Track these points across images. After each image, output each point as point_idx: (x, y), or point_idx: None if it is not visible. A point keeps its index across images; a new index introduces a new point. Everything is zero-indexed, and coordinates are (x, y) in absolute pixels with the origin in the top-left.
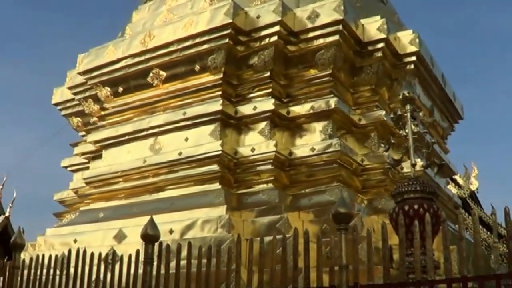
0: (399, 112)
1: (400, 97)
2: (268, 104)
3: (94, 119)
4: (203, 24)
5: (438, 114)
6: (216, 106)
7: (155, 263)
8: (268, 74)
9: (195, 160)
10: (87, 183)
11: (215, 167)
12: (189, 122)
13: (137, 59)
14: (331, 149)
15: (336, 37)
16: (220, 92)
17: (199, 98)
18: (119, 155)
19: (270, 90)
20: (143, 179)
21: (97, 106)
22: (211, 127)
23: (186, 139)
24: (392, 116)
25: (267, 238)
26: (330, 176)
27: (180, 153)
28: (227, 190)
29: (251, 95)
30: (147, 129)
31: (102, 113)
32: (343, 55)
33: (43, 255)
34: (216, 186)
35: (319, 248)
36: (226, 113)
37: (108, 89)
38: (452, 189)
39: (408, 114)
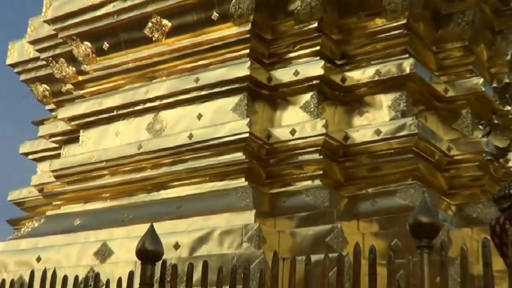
0: (505, 80)
1: (508, 58)
2: (315, 68)
3: (68, 86)
4: None
5: None
6: (242, 70)
7: None
8: (315, 25)
9: (212, 146)
10: (57, 177)
11: (239, 155)
12: (203, 93)
13: (130, 3)
14: (404, 132)
15: None
16: (247, 51)
17: (218, 58)
18: (104, 138)
19: (318, 48)
20: (138, 172)
21: (72, 68)
22: (234, 100)
23: (199, 117)
24: (494, 85)
25: (315, 257)
26: (403, 171)
27: (190, 136)
28: (257, 189)
29: (291, 54)
30: (144, 102)
31: (80, 78)
32: None
33: None
34: (241, 182)
35: (390, 273)
36: (255, 80)
37: (89, 44)
38: None
39: None
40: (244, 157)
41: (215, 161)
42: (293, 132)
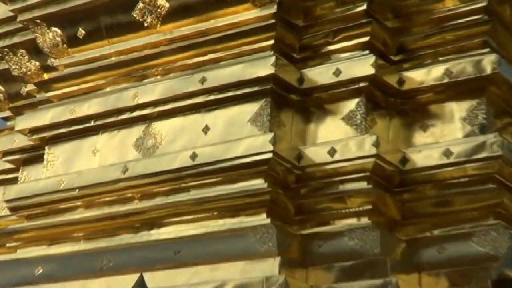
0: None
1: None
2: (363, 66)
3: (30, 87)
4: None
5: None
6: (264, 67)
7: None
8: (363, 7)
9: (222, 170)
10: (12, 210)
11: (259, 183)
12: (211, 97)
13: None
14: (483, 154)
15: None
16: (271, 42)
17: (231, 52)
18: (77, 158)
19: (367, 38)
20: (122, 203)
21: (35, 63)
22: (253, 108)
23: (206, 130)
24: None
25: None
26: (482, 206)
27: (193, 156)
28: (282, 228)
29: (331, 47)
30: (132, 109)
31: (46, 76)
32: None
33: None
34: (262, 219)
35: None
36: (282, 80)
37: (58, 31)
38: None
39: None
40: (265, 185)
41: (226, 190)
42: (332, 152)
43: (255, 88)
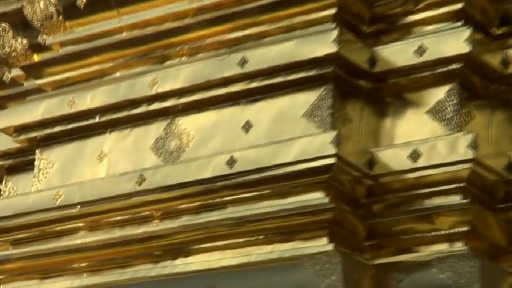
0: None
1: None
2: (455, 42)
3: (15, 73)
4: None
5: None
6: (323, 45)
7: None
8: None
9: (269, 180)
10: None
11: (318, 197)
12: (254, 84)
13: None
14: None
15: None
16: (332, 11)
17: (279, 25)
18: (78, 165)
19: (460, 5)
20: (138, 224)
21: (22, 41)
22: (309, 98)
23: (247, 127)
24: None
25: None
26: None
27: (231, 161)
28: (350, 257)
29: (411, 18)
30: (150, 101)
31: (36, 58)
32: None
33: None
34: (322, 245)
35: None
36: (348, 62)
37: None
38: None
39: None
40: (327, 199)
41: (275, 207)
42: (415, 156)
43: (312, 72)
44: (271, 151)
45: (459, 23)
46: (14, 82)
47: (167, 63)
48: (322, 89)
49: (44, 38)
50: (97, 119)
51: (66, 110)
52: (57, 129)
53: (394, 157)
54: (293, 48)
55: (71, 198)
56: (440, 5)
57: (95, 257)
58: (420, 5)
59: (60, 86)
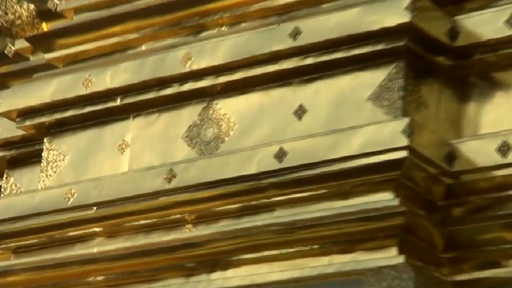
0: None
1: None
2: None
3: (20, 45)
4: None
5: None
6: (394, 12)
7: None
8: None
9: (326, 177)
10: None
11: (387, 198)
12: (308, 61)
13: None
14: None
15: None
16: None
17: None
18: (94, 157)
19: None
20: (167, 230)
21: (29, 6)
22: (376, 78)
23: (300, 113)
24: None
25: None
26: None
27: (280, 154)
28: (424, 271)
29: None
30: (182, 80)
31: (45, 27)
32: None
33: None
34: (391, 256)
35: None
36: (423, 34)
37: None
38: None
39: None
40: (397, 201)
41: (333, 211)
42: (505, 148)
43: (380, 47)
44: (329, 142)
45: None
46: (19, 56)
47: (203, 34)
48: (391, 67)
49: (55, 3)
50: (118, 102)
51: (81, 91)
52: (70, 113)
53: (479, 151)
54: (356, 17)
55: (86, 198)
56: None
57: (114, 269)
58: None
59: (74, 62)
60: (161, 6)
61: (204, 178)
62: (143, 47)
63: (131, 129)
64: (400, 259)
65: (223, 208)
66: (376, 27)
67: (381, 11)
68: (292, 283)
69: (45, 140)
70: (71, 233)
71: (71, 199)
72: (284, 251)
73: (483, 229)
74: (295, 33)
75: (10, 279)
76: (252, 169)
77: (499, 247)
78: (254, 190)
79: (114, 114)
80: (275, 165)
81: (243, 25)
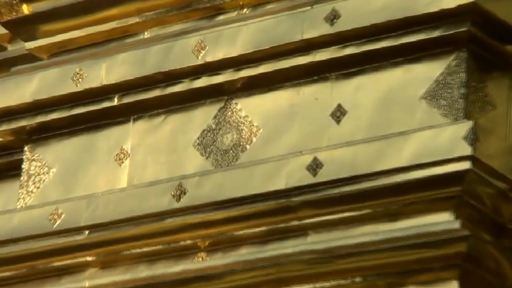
0: None
1: None
2: None
3: None
4: None
5: None
6: None
7: None
8: None
9: (372, 194)
10: None
11: (445, 220)
12: (348, 50)
13: None
14: None
15: None
16: None
17: None
18: (86, 169)
19: None
20: (176, 259)
21: None
22: (431, 71)
23: (338, 115)
24: None
25: None
26: None
27: (314, 165)
28: None
29: None
30: (194, 74)
31: (26, 10)
32: None
33: None
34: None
35: None
36: (490, 18)
37: None
38: None
39: None
40: (458, 224)
41: (378, 236)
42: None
43: (437, 33)
44: (374, 151)
45: None
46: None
47: (220, 18)
48: (451, 58)
49: None
50: (115, 102)
51: (70, 88)
52: (56, 115)
53: None
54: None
55: (76, 219)
56: None
57: None
58: None
59: (61, 52)
60: None
61: (221, 196)
62: (146, 34)
63: (131, 135)
64: None
65: (244, 232)
66: (432, 9)
67: None
68: None
69: (25, 148)
70: (57, 263)
71: (58, 221)
72: (318, 285)
73: None
74: (333, 17)
75: None
76: (280, 184)
77: None
78: (282, 210)
79: (110, 117)
80: (308, 179)
81: (269, 6)
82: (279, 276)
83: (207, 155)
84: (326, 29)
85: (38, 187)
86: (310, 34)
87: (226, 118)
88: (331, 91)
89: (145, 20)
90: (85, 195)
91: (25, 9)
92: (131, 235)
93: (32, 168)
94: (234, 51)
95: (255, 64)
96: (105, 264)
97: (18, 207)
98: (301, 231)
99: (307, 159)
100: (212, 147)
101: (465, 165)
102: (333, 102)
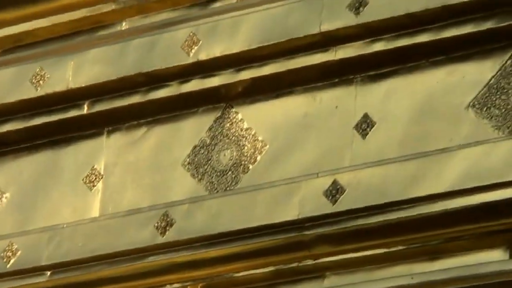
0: None
1: None
2: None
3: None
4: None
5: None
6: None
7: None
8: None
9: (406, 224)
10: None
11: (496, 258)
12: (376, 47)
13: None
14: None
15: None
16: None
17: None
18: (50, 193)
19: None
20: None
21: None
22: (480, 73)
23: (364, 126)
24: None
25: None
26: None
27: (335, 190)
28: None
29: None
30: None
31: None
32: None
33: None
34: None
35: None
36: None
37: None
38: None
39: None
40: (511, 264)
41: (416, 277)
42: None
43: (488, 25)
44: (409, 173)
45: None
46: None
47: (216, 6)
48: (506, 57)
49: None
50: (85, 110)
51: (28, 92)
52: (11, 127)
53: None
54: None
55: (36, 257)
56: None
57: None
58: None
59: (17, 47)
60: None
61: (217, 228)
62: (124, 25)
63: (105, 151)
64: None
65: (245, 273)
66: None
67: None
68: None
69: None
70: None
71: (12, 260)
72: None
73: None
74: (358, 4)
75: None
76: (290, 214)
77: None
78: (293, 246)
79: (79, 129)
80: (326, 208)
81: None
82: None
83: (199, 176)
84: (350, 20)
85: None
86: (330, 25)
87: (224, 130)
88: (355, 98)
89: (123, 7)
90: (46, 227)
91: None
92: (104, 277)
93: None
94: (233, 47)
95: (260, 64)
96: None
97: None
98: (317, 273)
99: (325, 182)
100: (206, 167)
101: None
102: (358, 112)
